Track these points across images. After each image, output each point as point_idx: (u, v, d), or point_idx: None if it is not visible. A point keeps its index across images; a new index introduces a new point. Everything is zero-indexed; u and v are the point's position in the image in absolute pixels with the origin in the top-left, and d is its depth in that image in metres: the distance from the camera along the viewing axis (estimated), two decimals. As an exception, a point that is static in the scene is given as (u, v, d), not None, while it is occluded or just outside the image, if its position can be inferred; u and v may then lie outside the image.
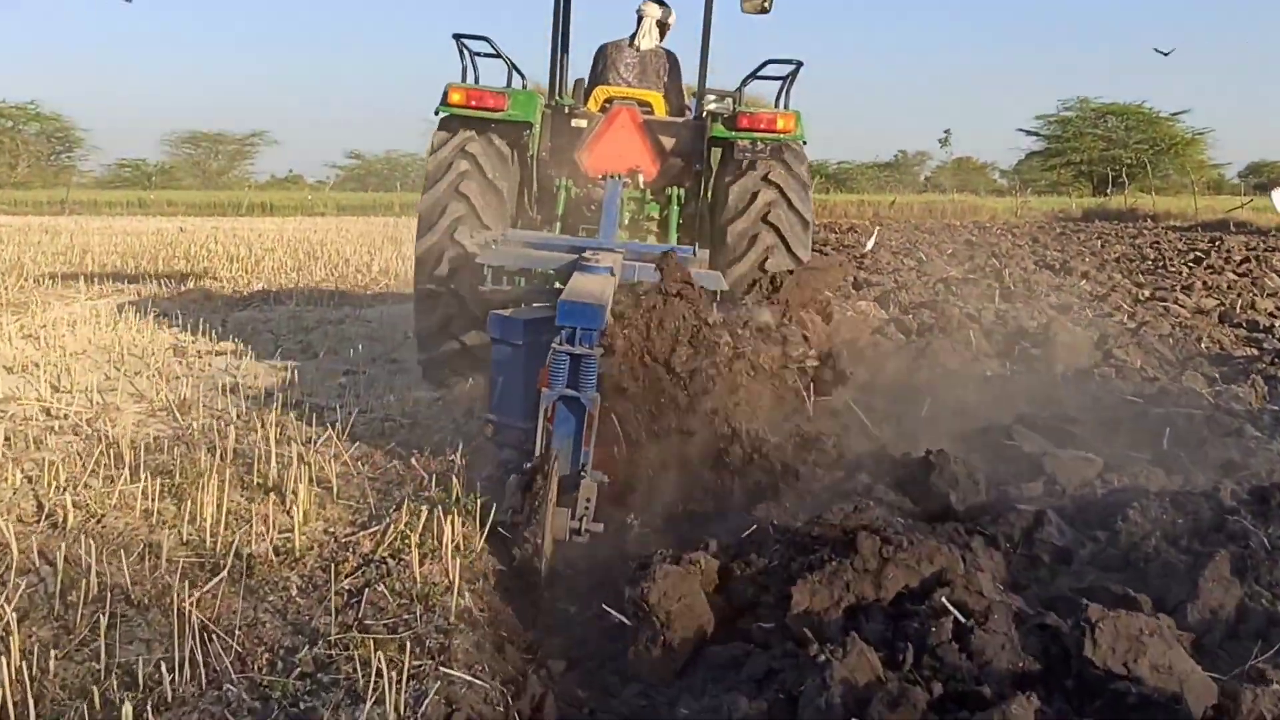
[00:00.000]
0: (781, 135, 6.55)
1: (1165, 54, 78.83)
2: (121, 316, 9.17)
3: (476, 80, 6.85)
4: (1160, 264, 16.91)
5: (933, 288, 12.52)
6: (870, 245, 18.23)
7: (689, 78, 7.60)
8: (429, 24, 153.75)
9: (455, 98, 6.42)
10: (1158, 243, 22.91)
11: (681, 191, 6.92)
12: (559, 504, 3.65)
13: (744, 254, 6.46)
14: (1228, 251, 19.29)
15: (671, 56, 7.61)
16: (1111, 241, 24.03)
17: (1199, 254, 18.65)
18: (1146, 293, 11.89)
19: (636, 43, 7.51)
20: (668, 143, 6.98)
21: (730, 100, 7.25)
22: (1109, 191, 56.32)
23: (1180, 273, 15.09)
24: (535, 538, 3.46)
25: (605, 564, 3.73)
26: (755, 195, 6.52)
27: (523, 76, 7.48)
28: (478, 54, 6.90)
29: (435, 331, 6.31)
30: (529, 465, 3.65)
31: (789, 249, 6.44)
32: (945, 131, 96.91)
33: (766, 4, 7.10)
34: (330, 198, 51.16)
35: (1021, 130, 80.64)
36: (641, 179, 6.88)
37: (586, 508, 3.73)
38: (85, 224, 31.09)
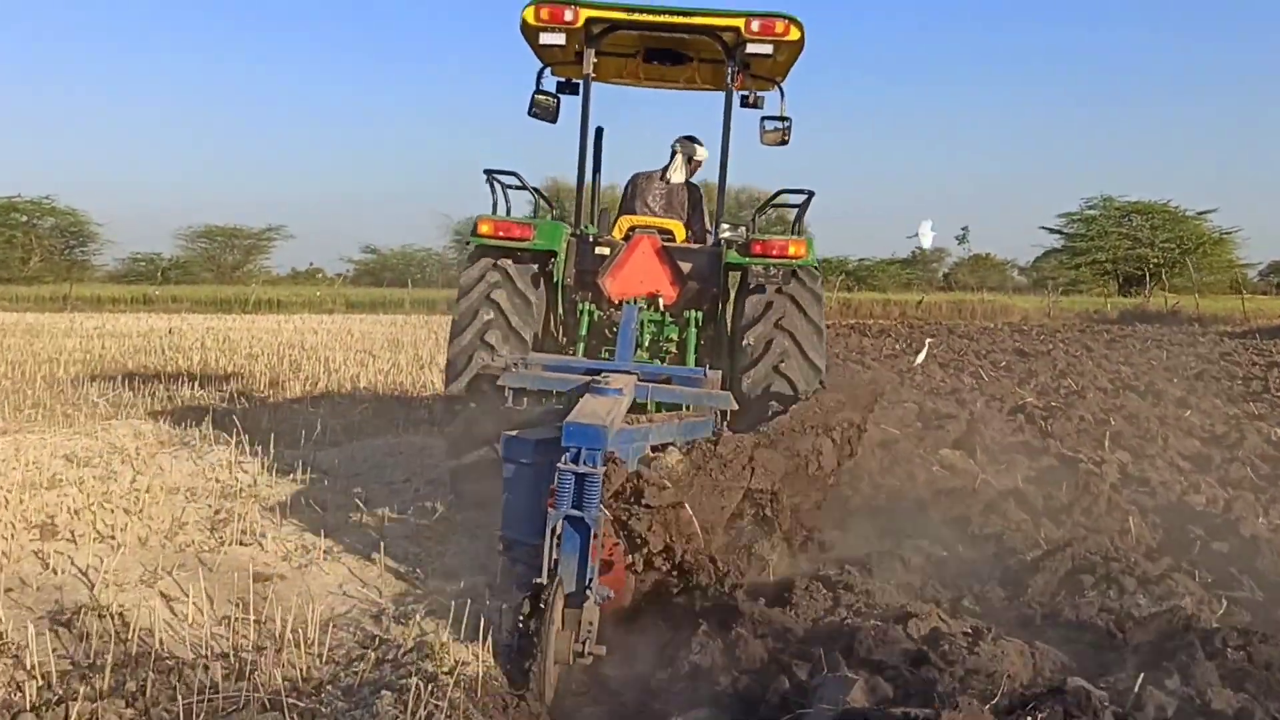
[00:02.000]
0: (793, 260, 6.76)
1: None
2: (6, 466, 7.21)
3: (508, 211, 7.33)
4: (1259, 382, 14.81)
5: (1014, 419, 10.49)
6: (921, 359, 16.26)
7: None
8: (451, 118, 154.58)
9: (484, 229, 6.87)
10: (1229, 354, 20.82)
11: (700, 314, 7.17)
12: (562, 626, 3.73)
13: (759, 359, 6.61)
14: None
15: (696, 191, 8.03)
16: (1174, 350, 21.97)
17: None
18: (1279, 432, 9.80)
19: (667, 176, 7.92)
20: (686, 268, 7.19)
21: (745, 228, 7.74)
22: (1146, 292, 54.47)
23: (1293, 399, 12.98)
24: (538, 663, 3.57)
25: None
26: (770, 304, 6.75)
27: (550, 206, 8.16)
28: (509, 187, 7.37)
29: (461, 440, 6.26)
30: (532, 587, 3.78)
31: (804, 353, 6.58)
32: (963, 228, 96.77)
33: (785, 137, 7.44)
34: (340, 294, 49.61)
35: (1045, 228, 79.51)
36: (662, 303, 7.12)
37: (589, 630, 3.78)
38: (81, 322, 29.58)
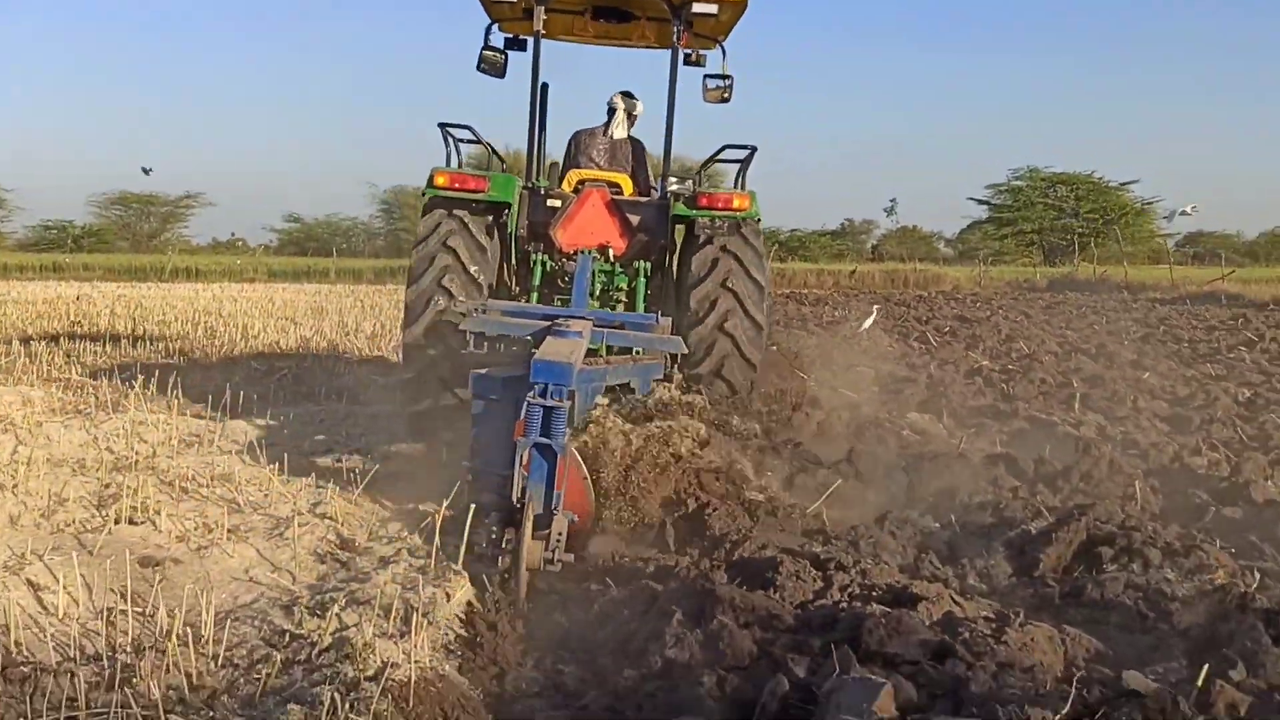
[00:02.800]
0: (738, 213, 6.96)
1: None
2: None
3: (460, 164, 7.44)
4: (1205, 345, 14.60)
5: (972, 382, 10.04)
6: (868, 324, 15.80)
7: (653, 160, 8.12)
8: (375, 88, 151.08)
9: (440, 181, 6.89)
10: (1166, 319, 20.74)
11: (648, 265, 7.34)
12: (534, 538, 4.16)
13: (705, 316, 6.77)
14: (1259, 330, 17.21)
15: (638, 144, 8.08)
16: (1112, 316, 21.84)
17: (1240, 334, 16.43)
18: (1246, 392, 9.46)
19: (610, 132, 7.98)
20: (635, 220, 7.33)
21: (691, 181, 7.98)
22: (1075, 261, 55.08)
23: (1243, 359, 12.74)
24: (514, 567, 4.11)
25: None
26: (715, 262, 6.87)
27: (501, 160, 8.40)
28: (461, 140, 7.47)
29: (418, 396, 6.62)
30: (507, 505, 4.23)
31: (746, 311, 6.76)
32: (891, 200, 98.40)
33: (726, 94, 7.58)
34: (262, 262, 47.96)
35: (973, 199, 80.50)
36: (612, 253, 7.25)
37: (558, 541, 4.24)
38: (-15, 290, 28.10)
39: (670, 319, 6.27)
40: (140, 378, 9.72)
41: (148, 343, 13.33)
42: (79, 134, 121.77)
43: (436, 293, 6.60)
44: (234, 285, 38.14)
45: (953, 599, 3.43)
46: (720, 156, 7.75)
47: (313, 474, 6.07)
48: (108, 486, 5.43)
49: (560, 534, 4.23)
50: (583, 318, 5.60)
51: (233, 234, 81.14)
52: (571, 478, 4.40)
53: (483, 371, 4.83)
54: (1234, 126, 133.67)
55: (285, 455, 6.55)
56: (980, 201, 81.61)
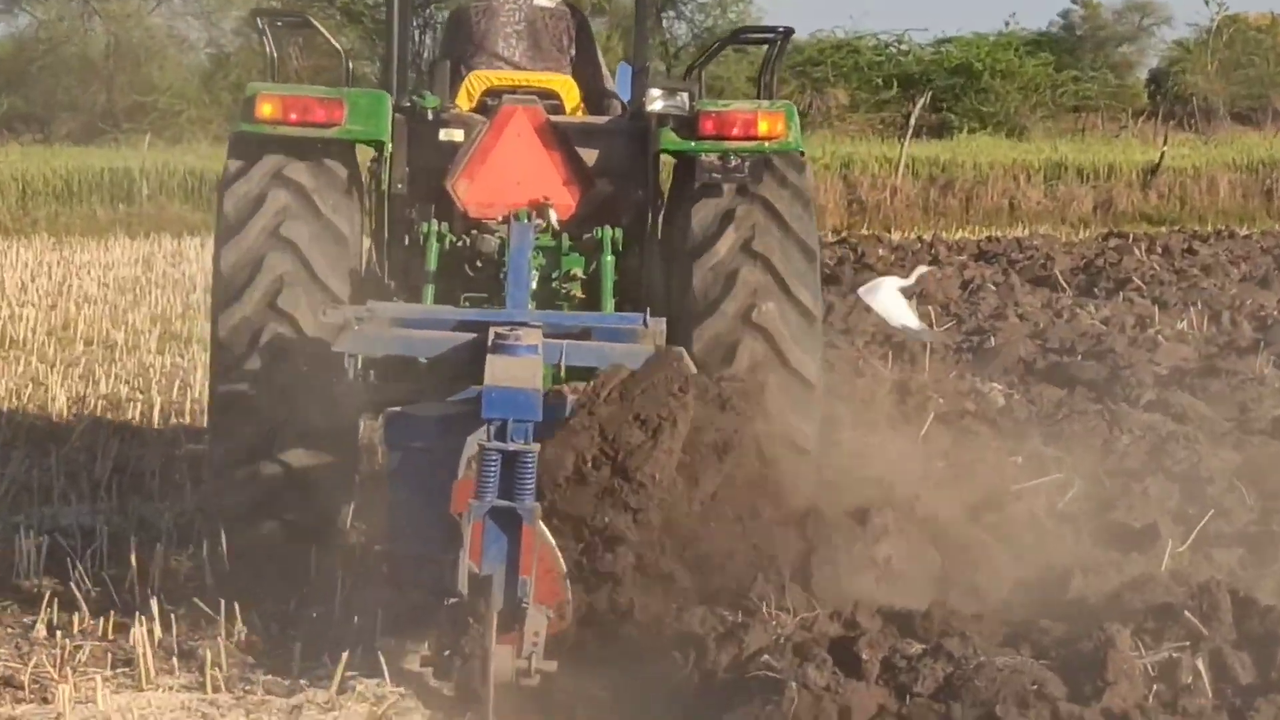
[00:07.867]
0: (767, 143, 4.69)
1: None
2: None
3: (274, 74, 5.19)
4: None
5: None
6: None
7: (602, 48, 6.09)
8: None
9: (266, 110, 4.56)
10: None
11: (616, 233, 4.83)
12: (500, 641, 3.17)
13: (718, 302, 4.56)
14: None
15: (579, 16, 5.68)
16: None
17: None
18: None
19: None
20: (590, 157, 4.99)
21: (685, 94, 5.00)
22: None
23: None
24: (477, 683, 3.16)
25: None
26: (731, 216, 4.61)
27: (348, 61, 5.58)
28: (291, 25, 6.07)
29: (243, 459, 4.36)
30: (456, 599, 3.25)
31: (788, 291, 4.50)
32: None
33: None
34: None
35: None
36: (554, 216, 4.86)
37: (535, 644, 3.21)
38: None
39: (663, 320, 4.39)
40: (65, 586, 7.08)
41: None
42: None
43: (269, 320, 4.40)
44: None
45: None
46: (727, 48, 5.77)
47: None
48: None
49: (537, 634, 3.25)
50: (525, 323, 4.06)
51: None
52: (543, 556, 3.27)
53: (399, 410, 3.82)
54: None
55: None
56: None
